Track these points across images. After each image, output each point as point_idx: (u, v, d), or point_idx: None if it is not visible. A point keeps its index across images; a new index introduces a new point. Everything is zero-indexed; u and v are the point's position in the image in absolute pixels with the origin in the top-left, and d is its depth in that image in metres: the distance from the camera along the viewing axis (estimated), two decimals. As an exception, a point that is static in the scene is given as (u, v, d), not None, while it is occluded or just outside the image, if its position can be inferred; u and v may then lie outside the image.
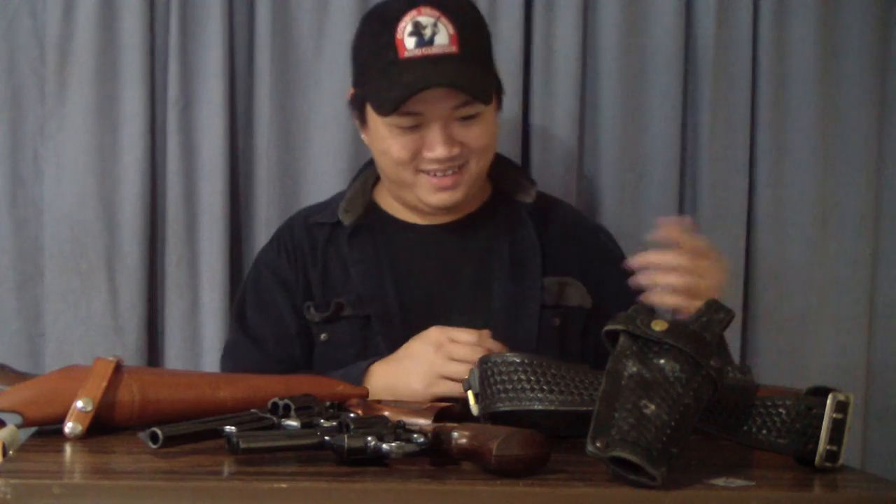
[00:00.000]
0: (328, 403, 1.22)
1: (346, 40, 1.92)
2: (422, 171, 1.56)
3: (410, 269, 1.63)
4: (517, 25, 1.95)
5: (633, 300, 1.34)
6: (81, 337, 1.89)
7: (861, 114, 2.05)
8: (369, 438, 1.08)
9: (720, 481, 1.07)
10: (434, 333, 1.45)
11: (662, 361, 1.09)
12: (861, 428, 2.05)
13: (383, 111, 1.51)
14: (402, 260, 1.63)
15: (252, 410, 1.19)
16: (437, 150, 1.52)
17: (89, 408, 1.20)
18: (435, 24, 1.50)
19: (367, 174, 1.69)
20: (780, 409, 1.18)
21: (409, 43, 1.49)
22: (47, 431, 1.22)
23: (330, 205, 1.70)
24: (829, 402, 1.16)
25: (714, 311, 1.15)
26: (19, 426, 1.21)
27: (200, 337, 1.91)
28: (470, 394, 1.23)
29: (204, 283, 1.91)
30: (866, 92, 2.05)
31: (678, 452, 1.06)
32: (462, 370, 1.33)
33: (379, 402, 1.32)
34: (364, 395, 1.36)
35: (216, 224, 1.91)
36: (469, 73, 1.51)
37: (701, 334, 1.12)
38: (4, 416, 1.22)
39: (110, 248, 1.90)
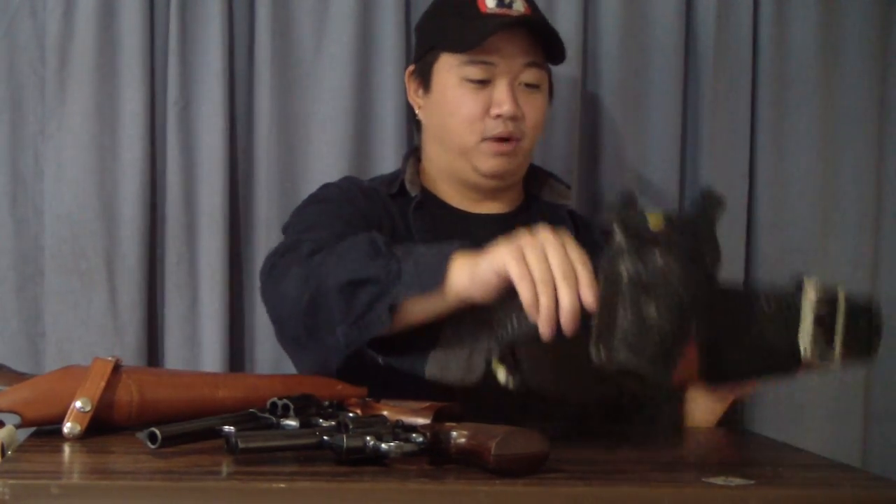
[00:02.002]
0: (327, 403, 1.22)
1: (346, 40, 1.94)
2: (485, 139, 1.58)
3: None
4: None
5: None
6: (81, 337, 1.88)
7: (861, 114, 2.05)
8: (368, 438, 1.08)
9: (719, 480, 1.07)
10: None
11: (660, 259, 1.06)
12: (862, 427, 2.05)
13: (466, 45, 1.56)
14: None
15: (251, 410, 1.19)
16: (505, 106, 1.57)
17: (88, 408, 1.20)
18: None
19: (411, 161, 1.70)
20: (773, 302, 1.13)
21: (490, 3, 1.57)
22: (46, 431, 1.22)
23: (375, 182, 1.69)
24: (805, 290, 1.11)
25: (708, 204, 1.11)
26: (18, 426, 1.21)
27: (200, 337, 1.91)
28: (498, 367, 1.16)
29: (203, 283, 1.91)
30: (866, 92, 2.05)
31: (679, 353, 1.04)
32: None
33: (378, 401, 1.32)
34: (363, 395, 1.36)
35: (216, 224, 1.91)
36: (546, 31, 1.59)
37: (697, 230, 1.08)
38: (3, 417, 1.22)
39: (110, 248, 1.90)
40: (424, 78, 1.64)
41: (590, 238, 1.72)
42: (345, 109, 1.94)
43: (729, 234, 2.01)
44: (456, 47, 1.58)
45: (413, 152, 1.73)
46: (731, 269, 2.00)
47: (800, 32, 2.02)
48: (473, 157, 1.60)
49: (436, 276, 1.24)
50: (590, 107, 2.00)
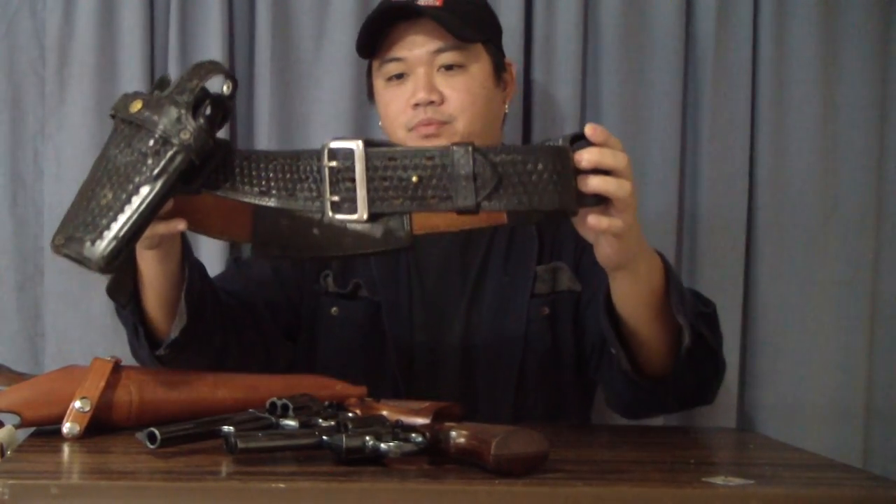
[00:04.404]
0: (326, 403, 1.22)
1: (346, 40, 1.93)
2: (412, 131, 1.56)
3: (423, 260, 1.63)
4: (517, 25, 1.95)
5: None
6: (81, 337, 1.88)
7: (862, 113, 2.05)
8: (367, 438, 1.08)
9: (719, 480, 1.07)
10: None
11: (137, 142, 1.07)
12: (863, 427, 2.04)
13: (360, 46, 1.58)
14: (417, 250, 1.61)
15: (250, 410, 1.19)
16: (419, 94, 1.54)
17: (87, 408, 1.20)
18: None
19: None
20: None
21: None
22: (45, 432, 1.22)
23: None
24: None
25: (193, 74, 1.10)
26: (17, 426, 1.21)
27: (200, 337, 1.91)
28: None
29: (203, 284, 1.91)
30: (867, 91, 2.05)
31: (130, 235, 1.05)
32: None
33: (377, 401, 1.32)
34: (363, 395, 1.36)
35: (216, 224, 1.91)
36: (444, 16, 1.53)
37: (178, 102, 1.07)
38: (3, 417, 1.22)
39: (110, 248, 1.89)
40: (370, 88, 1.65)
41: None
42: (345, 110, 1.94)
43: (729, 234, 2.01)
44: (357, 49, 1.60)
45: None
46: (731, 269, 2.01)
47: (800, 32, 2.02)
48: None
49: None
50: (590, 107, 2.00)
